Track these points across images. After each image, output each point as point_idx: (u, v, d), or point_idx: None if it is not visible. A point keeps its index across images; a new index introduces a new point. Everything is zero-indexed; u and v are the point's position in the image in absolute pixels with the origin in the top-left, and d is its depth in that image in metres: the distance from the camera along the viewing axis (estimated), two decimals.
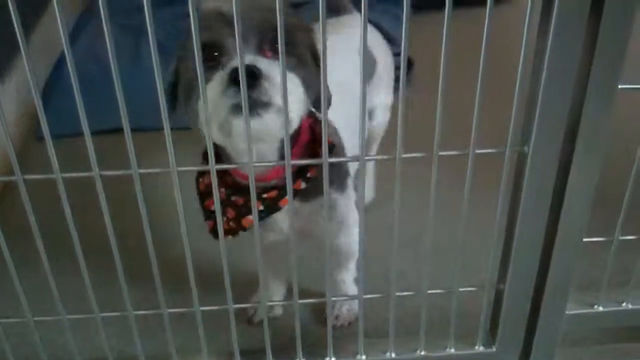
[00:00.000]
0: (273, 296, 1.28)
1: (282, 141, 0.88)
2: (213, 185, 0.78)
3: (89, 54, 2.03)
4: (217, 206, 0.79)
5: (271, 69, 0.79)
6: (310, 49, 0.89)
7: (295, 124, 0.86)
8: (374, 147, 1.43)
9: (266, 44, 0.83)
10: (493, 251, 0.89)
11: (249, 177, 0.78)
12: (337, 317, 1.25)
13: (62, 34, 0.62)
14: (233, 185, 0.96)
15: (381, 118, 1.38)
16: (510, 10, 1.96)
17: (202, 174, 0.99)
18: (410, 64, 2.06)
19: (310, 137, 0.96)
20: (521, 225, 0.85)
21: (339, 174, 1.02)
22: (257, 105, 0.78)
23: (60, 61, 2.08)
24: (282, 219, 0.99)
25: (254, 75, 0.77)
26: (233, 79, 0.78)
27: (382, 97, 1.36)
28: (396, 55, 2.06)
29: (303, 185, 0.93)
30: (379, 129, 1.40)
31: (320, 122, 0.96)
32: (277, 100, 0.78)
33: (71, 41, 2.59)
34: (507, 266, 0.91)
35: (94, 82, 1.88)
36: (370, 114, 1.35)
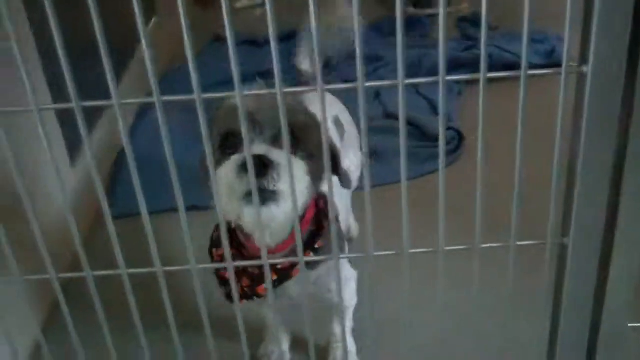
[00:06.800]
0: (282, 345, 1.42)
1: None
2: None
3: (155, 133, 2.08)
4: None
5: (281, 159, 0.86)
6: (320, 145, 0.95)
7: (300, 211, 0.95)
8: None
9: (280, 138, 0.89)
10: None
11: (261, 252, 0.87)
12: None
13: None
14: (249, 257, 1.06)
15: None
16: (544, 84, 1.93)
17: (216, 246, 1.09)
18: (461, 138, 2.07)
19: (315, 210, 1.07)
20: (565, 321, 0.83)
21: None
22: (266, 196, 0.86)
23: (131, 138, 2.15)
24: (292, 286, 1.09)
25: (264, 164, 0.85)
26: (243, 166, 0.86)
27: (352, 156, 1.42)
28: (448, 129, 2.07)
29: (312, 255, 1.05)
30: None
31: (322, 196, 1.08)
32: (284, 188, 0.86)
33: (140, 118, 2.62)
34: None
35: (160, 161, 1.92)
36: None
